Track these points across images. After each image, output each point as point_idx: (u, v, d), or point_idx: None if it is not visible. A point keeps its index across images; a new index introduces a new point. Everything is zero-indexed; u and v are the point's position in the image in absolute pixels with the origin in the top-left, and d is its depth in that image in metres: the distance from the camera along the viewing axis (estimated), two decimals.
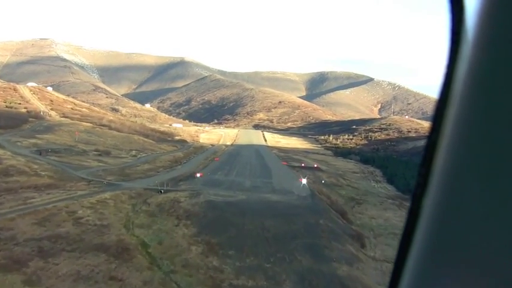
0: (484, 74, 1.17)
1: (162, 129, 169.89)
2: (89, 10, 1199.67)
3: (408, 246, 1.49)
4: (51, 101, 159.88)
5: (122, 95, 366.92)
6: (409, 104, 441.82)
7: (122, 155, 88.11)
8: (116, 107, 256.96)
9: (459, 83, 1.27)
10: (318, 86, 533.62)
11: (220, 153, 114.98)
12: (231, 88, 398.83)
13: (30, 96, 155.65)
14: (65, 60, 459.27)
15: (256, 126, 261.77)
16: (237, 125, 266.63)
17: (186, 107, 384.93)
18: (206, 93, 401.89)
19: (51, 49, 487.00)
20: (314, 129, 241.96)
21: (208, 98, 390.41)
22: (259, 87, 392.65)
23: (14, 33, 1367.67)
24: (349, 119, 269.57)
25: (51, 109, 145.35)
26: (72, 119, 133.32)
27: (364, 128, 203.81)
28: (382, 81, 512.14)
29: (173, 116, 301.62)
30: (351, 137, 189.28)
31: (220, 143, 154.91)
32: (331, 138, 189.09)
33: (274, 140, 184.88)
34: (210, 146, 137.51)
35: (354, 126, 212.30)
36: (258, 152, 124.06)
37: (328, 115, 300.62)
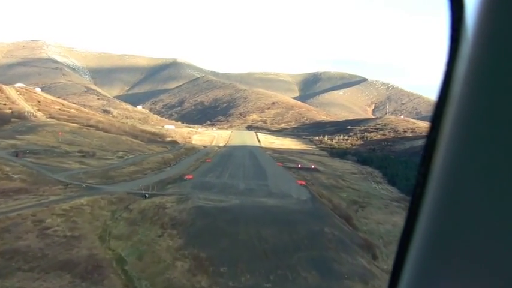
0: (483, 72, 1.16)
1: (153, 130, 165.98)
2: (81, 12, 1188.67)
3: (408, 245, 1.49)
4: (39, 101, 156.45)
5: (114, 97, 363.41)
6: (403, 104, 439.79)
7: (108, 156, 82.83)
8: (108, 108, 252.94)
9: (459, 81, 1.26)
10: (312, 86, 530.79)
11: (212, 155, 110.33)
12: (223, 89, 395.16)
13: (17, 96, 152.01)
14: (56, 62, 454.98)
15: (250, 127, 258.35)
16: (230, 126, 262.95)
17: (179, 108, 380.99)
18: (199, 95, 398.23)
19: (43, 51, 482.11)
20: (308, 129, 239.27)
21: (201, 99, 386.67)
22: (253, 88, 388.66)
23: (4, 35, 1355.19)
24: (343, 119, 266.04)
25: (38, 110, 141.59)
26: (58, 119, 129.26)
27: (359, 128, 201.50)
28: (376, 81, 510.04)
29: (165, 118, 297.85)
30: (346, 137, 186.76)
31: (213, 144, 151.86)
32: (326, 138, 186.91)
33: (268, 141, 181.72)
34: (202, 148, 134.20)
35: (349, 127, 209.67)
36: (252, 153, 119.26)
37: (322, 116, 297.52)
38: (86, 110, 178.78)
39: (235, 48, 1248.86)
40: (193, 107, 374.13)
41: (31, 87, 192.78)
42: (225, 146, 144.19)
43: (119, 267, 26.78)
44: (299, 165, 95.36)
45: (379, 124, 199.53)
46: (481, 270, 1.18)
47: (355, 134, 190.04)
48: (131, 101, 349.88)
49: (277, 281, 26.78)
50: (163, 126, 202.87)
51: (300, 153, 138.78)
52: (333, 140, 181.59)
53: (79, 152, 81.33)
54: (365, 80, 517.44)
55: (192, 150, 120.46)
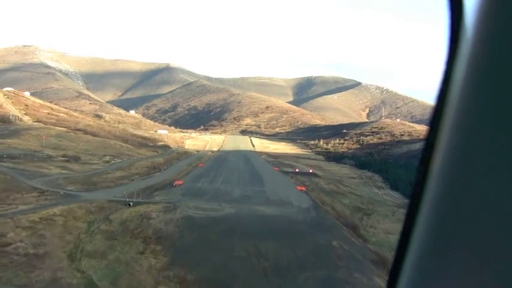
0: (483, 72, 1.16)
1: (145, 135, 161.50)
2: (73, 16, 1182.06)
3: (407, 245, 1.48)
4: (27, 105, 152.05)
5: (107, 102, 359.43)
6: (398, 107, 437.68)
7: (93, 160, 77.81)
8: (100, 113, 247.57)
9: (458, 81, 1.26)
10: (306, 91, 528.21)
11: (205, 159, 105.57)
12: (217, 93, 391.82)
13: (4, 100, 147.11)
14: (48, 67, 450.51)
15: (244, 132, 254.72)
16: (224, 131, 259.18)
17: (172, 113, 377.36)
18: (192, 99, 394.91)
19: (35, 56, 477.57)
20: (303, 134, 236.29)
21: (194, 103, 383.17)
22: (246, 92, 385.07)
23: None
24: (338, 123, 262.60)
25: (25, 114, 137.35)
26: (45, 123, 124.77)
27: (355, 132, 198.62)
28: (370, 85, 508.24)
29: (159, 123, 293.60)
30: (342, 141, 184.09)
31: (207, 149, 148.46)
32: (321, 142, 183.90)
33: (263, 145, 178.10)
34: (195, 152, 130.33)
35: (345, 131, 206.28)
36: (247, 157, 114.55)
37: (316, 120, 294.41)
38: (76, 114, 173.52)
39: (229, 53, 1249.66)
40: (186, 112, 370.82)
41: (20, 91, 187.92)
42: (218, 151, 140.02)
43: None
44: (296, 170, 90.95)
45: (375, 128, 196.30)
46: (480, 270, 1.17)
47: (351, 137, 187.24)
48: (124, 106, 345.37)
49: None
50: (156, 131, 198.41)
51: (296, 157, 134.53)
52: (329, 144, 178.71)
53: (63, 156, 76.28)
54: (359, 84, 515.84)
55: (184, 154, 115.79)
